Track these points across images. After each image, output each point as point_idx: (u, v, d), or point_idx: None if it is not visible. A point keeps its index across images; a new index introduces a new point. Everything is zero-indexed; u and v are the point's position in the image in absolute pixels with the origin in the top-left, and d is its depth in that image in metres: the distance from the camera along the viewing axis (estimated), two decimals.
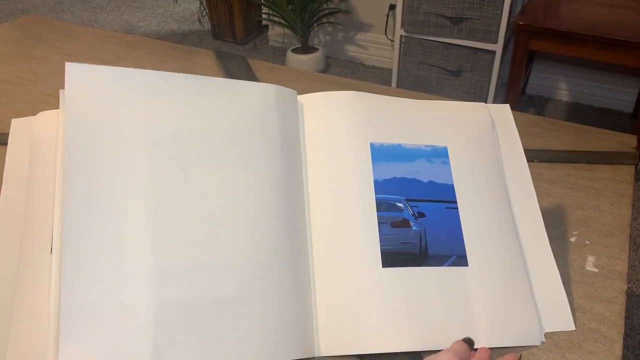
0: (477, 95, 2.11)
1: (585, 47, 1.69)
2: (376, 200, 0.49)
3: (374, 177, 0.50)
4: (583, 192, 0.65)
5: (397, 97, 0.56)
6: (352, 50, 2.65)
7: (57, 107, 0.79)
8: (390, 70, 2.51)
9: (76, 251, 0.40)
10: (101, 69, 0.45)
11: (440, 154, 0.53)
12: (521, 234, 0.53)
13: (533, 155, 0.70)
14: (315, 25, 2.49)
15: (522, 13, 1.81)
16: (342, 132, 0.52)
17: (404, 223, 0.49)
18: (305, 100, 0.54)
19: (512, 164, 0.56)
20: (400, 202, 0.50)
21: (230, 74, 0.89)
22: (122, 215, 0.42)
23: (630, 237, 0.64)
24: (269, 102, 0.51)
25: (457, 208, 0.51)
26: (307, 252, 0.49)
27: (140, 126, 0.44)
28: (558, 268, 0.53)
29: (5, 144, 0.69)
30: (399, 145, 0.53)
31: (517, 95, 1.88)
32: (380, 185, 0.50)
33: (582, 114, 2.23)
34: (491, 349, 0.45)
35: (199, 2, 2.99)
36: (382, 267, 0.47)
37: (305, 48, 2.51)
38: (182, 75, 0.48)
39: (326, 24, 2.62)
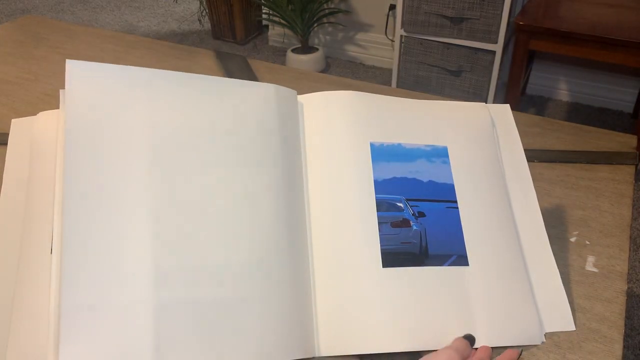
0: (477, 95, 2.11)
1: (585, 47, 1.69)
2: (376, 200, 0.49)
3: (374, 177, 0.50)
4: (583, 192, 0.65)
5: (397, 97, 0.56)
6: (352, 50, 2.65)
7: (57, 107, 0.79)
8: (390, 70, 2.51)
9: (76, 251, 0.39)
10: (102, 67, 0.45)
11: (440, 154, 0.53)
12: (521, 234, 0.53)
13: (533, 155, 0.70)
14: (315, 25, 2.49)
15: (522, 13, 1.81)
16: (342, 132, 0.52)
17: (404, 223, 0.49)
18: (305, 100, 0.54)
19: (512, 164, 0.56)
20: (400, 201, 0.50)
21: (230, 74, 0.89)
22: (122, 215, 0.41)
23: (630, 237, 0.64)
24: (269, 102, 0.51)
25: (457, 208, 0.51)
26: (307, 252, 0.49)
27: (140, 125, 0.44)
28: (558, 268, 0.53)
29: (5, 144, 0.69)
30: (399, 145, 0.53)
31: (517, 95, 1.88)
32: (380, 185, 0.50)
33: (582, 114, 2.23)
34: (492, 348, 0.45)
35: (199, 2, 2.99)
36: (383, 267, 0.47)
37: (305, 48, 2.51)
38: (182, 73, 0.48)
39: (326, 24, 2.62)
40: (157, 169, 0.44)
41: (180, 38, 2.88)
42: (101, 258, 0.40)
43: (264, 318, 0.43)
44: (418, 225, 0.49)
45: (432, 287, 0.47)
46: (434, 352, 0.43)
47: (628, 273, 0.67)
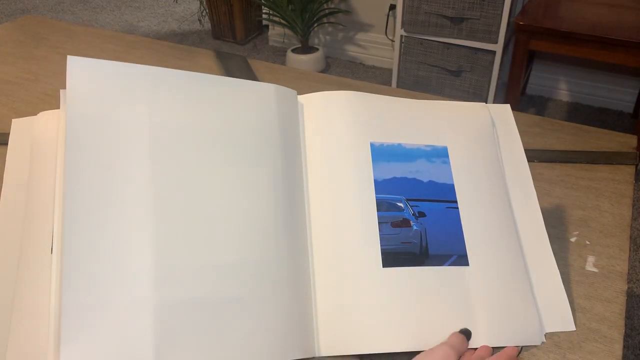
0: (477, 95, 2.11)
1: (585, 47, 1.69)
2: (376, 200, 0.49)
3: (374, 176, 0.50)
4: (583, 192, 0.65)
5: (397, 97, 0.56)
6: (352, 50, 2.65)
7: (57, 107, 0.79)
8: (390, 70, 2.51)
9: (77, 250, 0.39)
10: (103, 64, 0.45)
11: (440, 154, 0.53)
12: (521, 234, 0.53)
13: (533, 155, 0.70)
14: (315, 25, 2.49)
15: (522, 13, 1.81)
16: (342, 132, 0.52)
17: (405, 223, 0.49)
18: (305, 100, 0.54)
19: (512, 164, 0.56)
20: (400, 201, 0.50)
21: (230, 74, 0.89)
22: (122, 214, 0.41)
23: (630, 237, 0.64)
24: (269, 102, 0.51)
25: (457, 208, 0.51)
26: (307, 252, 0.49)
27: (141, 124, 0.44)
28: (558, 268, 0.53)
29: (6, 144, 0.69)
30: (399, 145, 0.53)
31: (517, 95, 1.88)
32: (380, 185, 0.50)
33: (582, 114, 2.23)
34: (492, 348, 0.45)
35: (199, 2, 2.99)
36: (383, 267, 0.47)
37: (305, 48, 2.51)
38: (183, 72, 0.48)
39: (326, 24, 2.62)
40: (158, 168, 0.44)
41: (180, 38, 2.88)
42: (101, 258, 0.40)
43: (264, 318, 0.43)
44: (418, 225, 0.49)
45: (432, 287, 0.47)
46: (430, 350, 0.43)
47: (628, 273, 0.67)
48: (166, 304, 0.40)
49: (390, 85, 2.32)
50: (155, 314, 0.40)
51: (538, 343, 0.47)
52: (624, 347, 0.85)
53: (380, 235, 0.48)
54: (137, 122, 0.44)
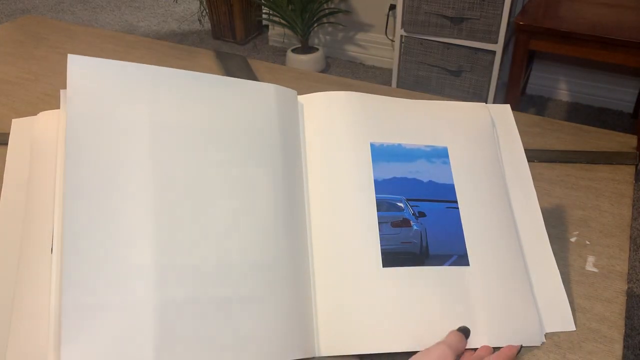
0: (477, 95, 2.11)
1: (585, 47, 1.69)
2: (376, 200, 0.49)
3: (374, 176, 0.50)
4: (583, 192, 0.65)
5: (397, 98, 0.56)
6: (352, 50, 2.65)
7: (57, 107, 0.79)
8: (390, 70, 2.51)
9: (77, 250, 0.39)
10: (103, 63, 0.45)
11: (440, 154, 0.53)
12: (521, 234, 0.53)
13: (533, 155, 0.70)
14: (315, 25, 2.49)
15: (522, 13, 1.81)
16: (342, 132, 0.52)
17: (405, 222, 0.49)
18: (305, 100, 0.54)
19: (512, 164, 0.56)
20: (400, 201, 0.50)
21: (230, 74, 0.89)
22: (123, 214, 0.41)
23: (630, 237, 0.64)
24: (269, 102, 0.51)
25: (457, 208, 0.51)
26: (307, 252, 0.49)
27: (141, 123, 0.44)
28: (558, 268, 0.53)
29: (6, 144, 0.69)
30: (399, 145, 0.53)
31: (517, 95, 1.88)
32: (380, 185, 0.50)
33: (582, 114, 2.23)
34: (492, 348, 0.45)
35: (199, 2, 2.99)
36: (382, 266, 0.47)
37: (305, 48, 2.51)
38: (183, 71, 0.48)
39: (326, 24, 2.62)
40: (158, 167, 0.44)
41: (180, 38, 2.88)
42: (102, 258, 0.40)
43: (264, 318, 0.43)
44: (418, 225, 0.49)
45: (433, 287, 0.47)
46: (426, 349, 0.42)
47: (628, 273, 0.67)
48: (166, 304, 0.40)
49: (390, 85, 2.32)
50: (155, 313, 0.40)
51: (538, 343, 0.47)
52: (624, 347, 0.85)
53: (380, 235, 0.48)
54: (137, 121, 0.44)
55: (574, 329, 0.49)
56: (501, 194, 0.53)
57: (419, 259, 0.48)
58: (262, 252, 0.45)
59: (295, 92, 0.54)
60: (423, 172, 0.52)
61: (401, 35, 2.12)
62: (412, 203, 0.50)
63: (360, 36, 2.59)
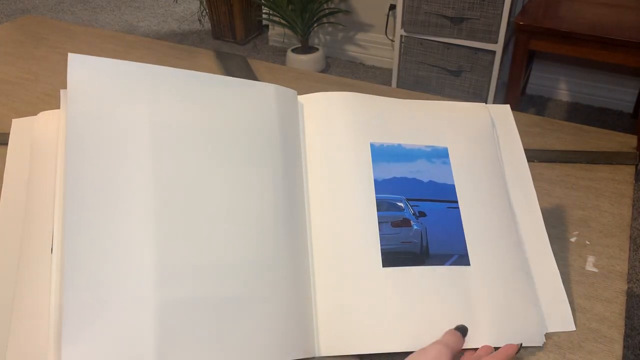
0: (477, 95, 2.11)
1: (585, 47, 1.69)
2: (376, 199, 0.49)
3: (374, 176, 0.50)
4: (583, 192, 0.65)
5: (397, 99, 0.56)
6: (352, 50, 2.65)
7: (57, 107, 0.79)
8: (390, 70, 2.51)
9: (78, 250, 0.39)
10: (104, 62, 0.45)
11: (440, 155, 0.53)
12: (521, 234, 0.53)
13: (533, 155, 0.70)
14: (315, 25, 2.49)
15: (522, 13, 1.81)
16: (342, 132, 0.52)
17: (405, 222, 0.49)
18: (305, 100, 0.54)
19: (512, 164, 0.56)
20: (400, 201, 0.50)
21: (230, 74, 0.89)
22: (124, 213, 0.41)
23: (630, 237, 0.64)
24: (269, 102, 0.51)
25: (458, 207, 0.51)
26: (307, 252, 0.49)
27: (142, 123, 0.44)
28: (558, 268, 0.53)
29: (6, 144, 0.69)
30: (399, 145, 0.53)
31: (517, 95, 1.88)
32: (380, 185, 0.50)
33: (582, 114, 2.23)
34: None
35: (199, 2, 2.99)
36: (382, 266, 0.47)
37: (305, 48, 2.51)
38: (183, 71, 0.48)
39: (326, 24, 2.62)
40: (159, 167, 0.44)
41: (180, 38, 2.88)
42: (102, 257, 0.40)
43: (264, 318, 0.43)
44: (419, 225, 0.49)
45: (433, 286, 0.47)
46: (422, 349, 0.42)
47: (628, 273, 0.67)
48: (167, 304, 0.40)
49: (390, 85, 2.32)
50: (156, 313, 0.40)
51: (540, 344, 0.47)
52: (624, 347, 0.85)
53: (380, 235, 0.48)
54: (137, 120, 0.44)
55: (574, 329, 0.49)
56: (502, 194, 0.53)
57: (419, 258, 0.48)
58: (262, 252, 0.45)
59: (295, 92, 0.54)
60: (423, 172, 0.52)
61: (401, 35, 2.12)
62: (412, 203, 0.50)
63: (360, 36, 2.59)
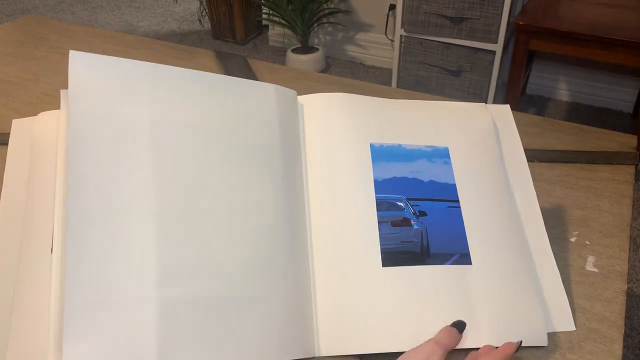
0: (477, 95, 2.11)
1: (585, 47, 1.69)
2: (376, 199, 0.49)
3: (374, 176, 0.50)
4: (583, 192, 0.65)
5: (397, 100, 0.56)
6: (352, 50, 2.65)
7: (58, 107, 0.79)
8: (390, 70, 2.51)
9: (80, 249, 0.39)
10: (105, 60, 0.45)
11: (441, 155, 0.53)
12: (522, 233, 0.53)
13: (533, 155, 0.70)
14: (315, 25, 2.49)
15: (522, 13, 1.81)
16: (342, 133, 0.52)
17: (405, 222, 0.49)
18: (305, 101, 0.54)
19: (512, 164, 0.56)
20: (401, 201, 0.50)
21: (230, 74, 0.89)
22: (125, 212, 0.41)
23: (630, 237, 0.64)
24: (269, 102, 0.51)
25: (459, 207, 0.51)
26: (307, 252, 0.49)
27: (143, 122, 0.44)
28: (558, 268, 0.53)
29: (6, 144, 0.69)
30: (399, 145, 0.53)
31: (517, 95, 1.88)
32: (380, 185, 0.50)
33: (582, 114, 2.23)
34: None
35: (199, 2, 2.99)
36: (382, 266, 0.47)
37: (305, 48, 2.51)
38: (184, 70, 0.48)
39: (326, 24, 2.62)
40: (159, 166, 0.44)
41: (180, 38, 2.88)
42: (104, 256, 0.40)
43: (264, 318, 0.43)
44: (419, 224, 0.49)
45: (434, 286, 0.47)
46: (415, 347, 0.42)
47: (628, 273, 0.67)
48: (168, 303, 0.40)
49: (390, 85, 2.32)
50: (157, 312, 0.40)
51: (544, 343, 0.46)
52: (624, 347, 0.85)
53: (380, 234, 0.48)
54: (138, 119, 0.44)
55: (574, 329, 0.49)
56: (503, 194, 0.53)
57: (419, 258, 0.48)
58: (262, 251, 0.45)
59: (295, 92, 0.54)
60: (424, 172, 0.52)
61: (401, 35, 2.12)
62: (412, 202, 0.50)
63: (360, 36, 2.59)
